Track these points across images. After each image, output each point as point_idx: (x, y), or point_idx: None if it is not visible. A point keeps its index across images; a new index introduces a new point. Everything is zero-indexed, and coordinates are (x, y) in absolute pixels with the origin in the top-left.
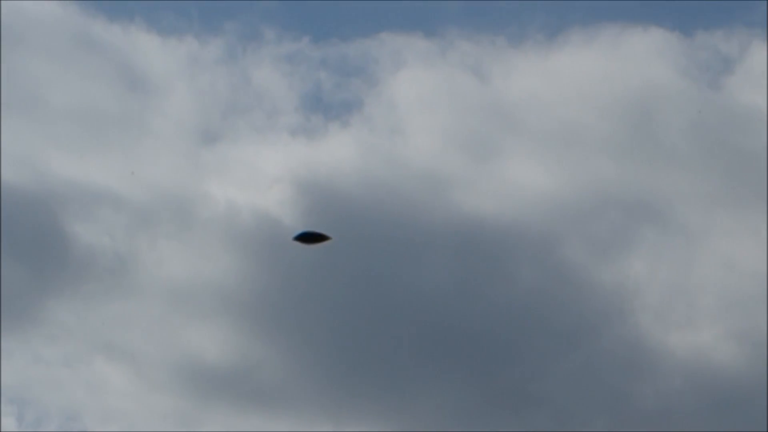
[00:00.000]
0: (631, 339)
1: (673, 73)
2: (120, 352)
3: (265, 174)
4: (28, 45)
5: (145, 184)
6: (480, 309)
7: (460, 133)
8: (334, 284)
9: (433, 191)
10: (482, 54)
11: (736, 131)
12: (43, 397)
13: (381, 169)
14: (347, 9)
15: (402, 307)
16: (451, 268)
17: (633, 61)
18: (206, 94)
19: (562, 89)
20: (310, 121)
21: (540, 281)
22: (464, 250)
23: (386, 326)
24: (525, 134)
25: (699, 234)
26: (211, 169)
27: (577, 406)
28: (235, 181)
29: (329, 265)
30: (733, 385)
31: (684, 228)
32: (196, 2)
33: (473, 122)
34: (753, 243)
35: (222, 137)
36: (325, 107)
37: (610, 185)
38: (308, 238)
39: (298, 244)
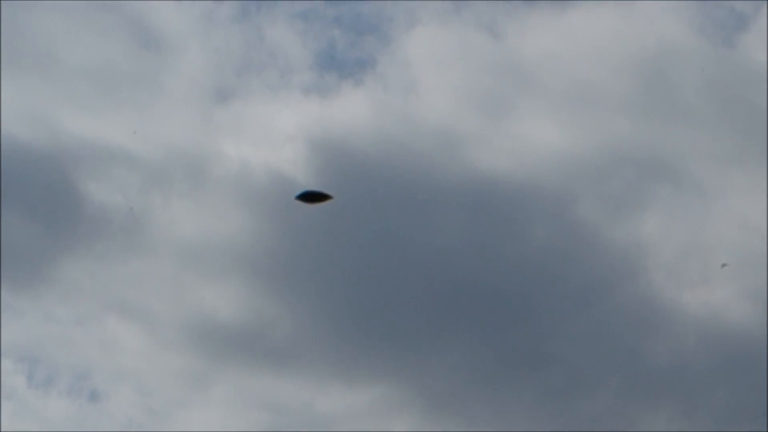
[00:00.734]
0: (645, 297)
1: (688, 31)
2: (132, 311)
3: (279, 132)
4: (41, 2)
5: (158, 143)
6: (494, 267)
7: (474, 91)
8: (348, 243)
9: (447, 149)
10: (497, 12)
11: (750, 89)
12: (54, 355)
13: (395, 127)
14: None
15: (416, 265)
16: (465, 227)
17: (648, 18)
18: (220, 53)
19: (577, 47)
20: (323, 80)
21: (554, 239)
22: (478, 208)
23: (400, 285)
24: (539, 92)
25: (713, 192)
26: (224, 127)
27: (590, 364)
28: (248, 140)
29: (342, 223)
30: (746, 344)
31: (698, 186)
32: None
33: (488, 80)
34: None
35: (235, 96)
36: (339, 65)
37: (624, 143)
38: (310, 197)
39: (300, 203)
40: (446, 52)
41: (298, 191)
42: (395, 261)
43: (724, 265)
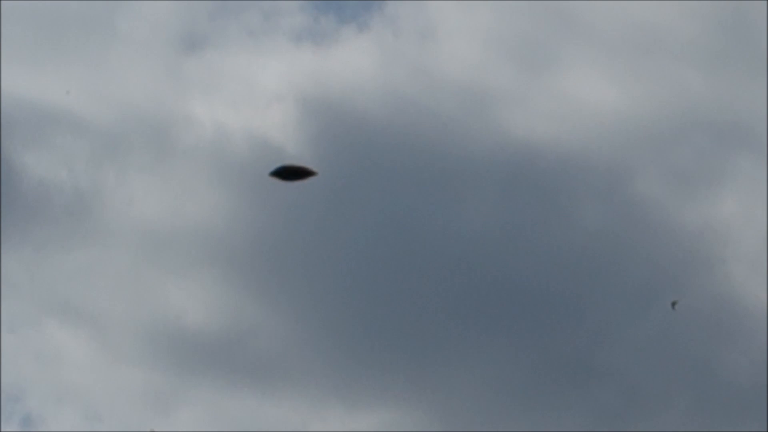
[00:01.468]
0: (721, 296)
1: None
2: (79, 315)
3: (263, 90)
4: None
5: (112, 103)
6: (532, 259)
7: (506, 36)
8: (350, 229)
9: (474, 111)
10: None
11: None
12: None
13: (408, 83)
14: None
15: (435, 256)
16: (497, 208)
17: None
18: None
19: None
20: (318, 23)
21: (608, 223)
22: (513, 185)
23: (414, 283)
24: (589, 38)
25: None
26: (194, 83)
27: (652, 379)
28: (224, 99)
29: (343, 205)
30: None
31: None
32: None
33: (523, 23)
34: None
35: (208, 44)
36: (338, 5)
37: (697, 103)
38: (288, 173)
39: (276, 181)
40: None
41: (286, 163)
42: (408, 252)
43: (674, 303)
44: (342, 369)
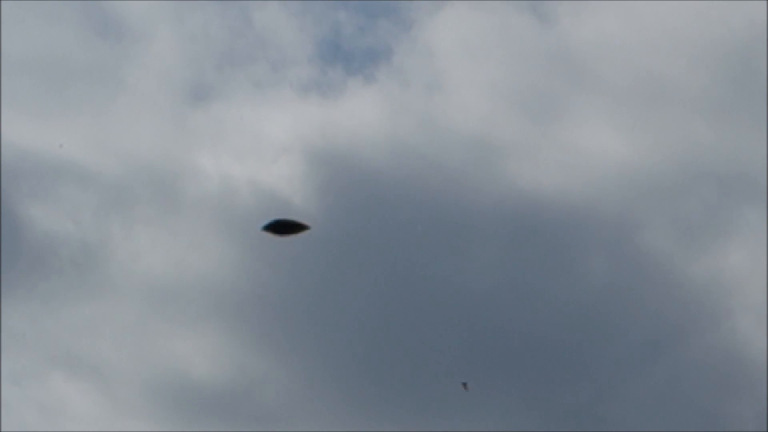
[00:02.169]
0: (728, 348)
1: None
2: (84, 367)
3: (270, 142)
4: None
5: (118, 155)
6: (539, 311)
7: (513, 88)
8: (356, 282)
9: (481, 162)
10: None
11: None
12: None
13: (415, 135)
14: None
15: (441, 309)
16: (504, 259)
17: None
18: (196, 41)
19: (644, 33)
20: (325, 75)
21: (614, 275)
22: (520, 237)
23: (420, 334)
24: (596, 90)
25: None
26: (201, 135)
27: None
28: (231, 151)
29: (349, 257)
30: None
31: None
32: None
33: (530, 75)
34: None
35: (215, 95)
36: (346, 57)
37: (704, 154)
38: (281, 227)
39: (269, 235)
40: (479, 39)
41: (297, 216)
42: (414, 305)
43: (465, 384)
44: (347, 421)
